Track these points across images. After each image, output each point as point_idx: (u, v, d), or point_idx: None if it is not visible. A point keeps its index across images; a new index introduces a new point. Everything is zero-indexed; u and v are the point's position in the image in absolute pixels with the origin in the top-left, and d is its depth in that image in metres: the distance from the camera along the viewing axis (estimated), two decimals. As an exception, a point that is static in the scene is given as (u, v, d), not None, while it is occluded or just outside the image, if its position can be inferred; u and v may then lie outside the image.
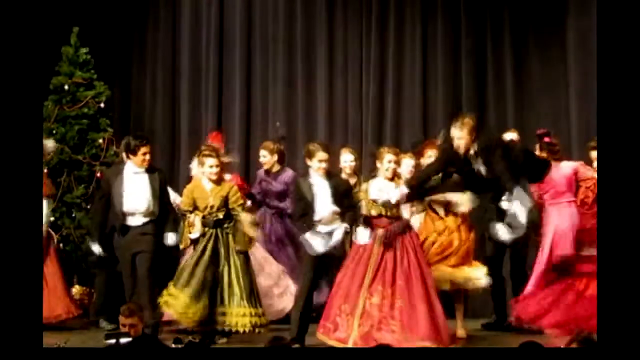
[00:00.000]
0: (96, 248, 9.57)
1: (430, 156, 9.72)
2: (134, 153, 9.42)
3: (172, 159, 12.32)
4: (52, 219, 11.04)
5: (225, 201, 9.24)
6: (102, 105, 11.55)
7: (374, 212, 9.00)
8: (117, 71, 12.74)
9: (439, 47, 11.90)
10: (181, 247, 9.55)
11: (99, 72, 11.76)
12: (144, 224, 9.39)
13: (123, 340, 7.30)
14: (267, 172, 10.69)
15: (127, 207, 9.36)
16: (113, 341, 7.29)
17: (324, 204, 8.98)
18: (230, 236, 9.23)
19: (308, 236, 8.86)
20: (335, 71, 12.22)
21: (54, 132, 11.30)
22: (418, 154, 9.97)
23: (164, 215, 9.44)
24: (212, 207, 9.23)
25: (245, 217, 9.23)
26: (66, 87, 11.46)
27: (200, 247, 9.22)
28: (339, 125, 12.16)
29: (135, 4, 12.83)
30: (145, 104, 12.83)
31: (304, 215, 8.98)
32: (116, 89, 12.43)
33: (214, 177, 9.27)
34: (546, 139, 9.88)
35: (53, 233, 10.99)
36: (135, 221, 9.40)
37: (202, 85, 12.63)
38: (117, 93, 12.49)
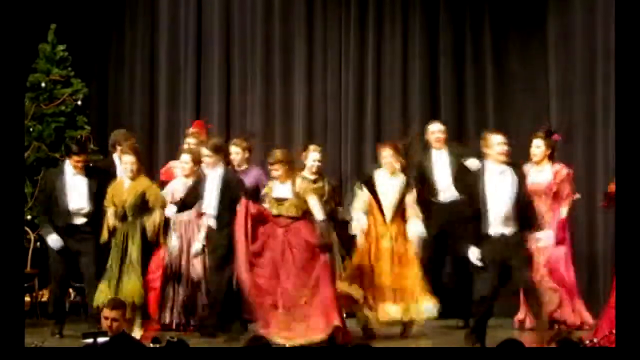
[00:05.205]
0: (54, 238, 9.62)
1: (385, 157, 9.74)
2: (69, 156, 9.75)
3: (150, 156, 12.25)
4: (28, 217, 10.97)
5: (141, 198, 9.47)
6: (79, 102, 11.49)
7: (274, 212, 9.13)
8: (95, 68, 12.65)
9: (418, 45, 11.87)
10: (100, 240, 9.65)
11: (77, 70, 11.70)
12: (85, 224, 9.67)
13: (100, 339, 7.26)
14: (234, 170, 10.60)
15: (71, 206, 9.61)
16: (90, 340, 7.25)
17: (209, 198, 9.48)
18: (136, 231, 9.45)
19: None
20: (314, 69, 12.18)
21: (31, 129, 11.22)
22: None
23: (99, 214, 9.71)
24: (124, 201, 9.47)
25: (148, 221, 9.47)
26: (43, 84, 11.38)
27: (116, 243, 9.46)
28: (317, 123, 12.12)
29: (113, 1, 12.76)
30: (123, 101, 12.75)
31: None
32: (94, 86, 12.34)
33: (130, 175, 9.54)
34: (555, 137, 10.15)
35: (30, 231, 10.94)
36: (78, 220, 9.67)
37: (180, 83, 12.57)
38: (95, 90, 12.40)
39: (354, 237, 9.70)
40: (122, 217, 9.49)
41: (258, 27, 12.33)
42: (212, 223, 9.51)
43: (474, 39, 11.76)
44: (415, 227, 9.52)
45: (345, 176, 11.69)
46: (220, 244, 9.45)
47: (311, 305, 8.93)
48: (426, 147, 10.53)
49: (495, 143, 8.72)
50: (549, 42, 11.48)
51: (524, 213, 8.69)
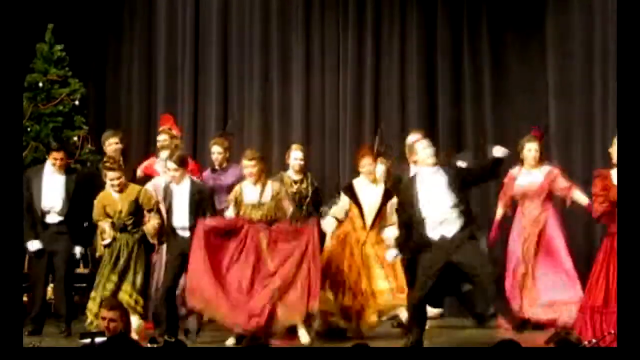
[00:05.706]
0: (32, 242, 9.69)
1: (363, 165, 9.72)
2: (49, 153, 9.86)
3: (147, 157, 12.24)
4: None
5: (135, 205, 9.42)
6: (77, 102, 11.50)
7: (254, 216, 9.14)
8: (93, 68, 12.66)
9: (416, 45, 11.87)
10: (97, 255, 9.69)
11: (74, 70, 11.70)
12: (59, 223, 9.72)
13: (98, 339, 7.24)
14: (213, 169, 10.58)
15: (43, 204, 9.68)
16: (88, 340, 7.24)
17: (180, 210, 9.34)
18: (137, 240, 9.41)
19: None
20: (312, 69, 12.18)
21: (29, 129, 11.22)
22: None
23: (78, 217, 9.76)
24: (120, 212, 9.38)
25: (147, 227, 9.44)
26: (41, 84, 11.40)
27: (112, 252, 9.35)
28: (315, 124, 12.12)
29: (111, 1, 12.75)
30: (120, 101, 12.76)
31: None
32: (91, 86, 12.36)
33: (117, 189, 9.43)
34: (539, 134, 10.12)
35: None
36: (51, 219, 9.74)
37: (178, 83, 12.58)
38: (92, 90, 12.41)
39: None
40: (122, 228, 9.39)
41: (256, 27, 12.34)
42: (187, 234, 9.35)
43: (472, 40, 11.76)
44: (392, 232, 9.46)
45: (343, 176, 11.66)
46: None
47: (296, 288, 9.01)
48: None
49: (421, 148, 8.77)
50: (547, 42, 11.48)
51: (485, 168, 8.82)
